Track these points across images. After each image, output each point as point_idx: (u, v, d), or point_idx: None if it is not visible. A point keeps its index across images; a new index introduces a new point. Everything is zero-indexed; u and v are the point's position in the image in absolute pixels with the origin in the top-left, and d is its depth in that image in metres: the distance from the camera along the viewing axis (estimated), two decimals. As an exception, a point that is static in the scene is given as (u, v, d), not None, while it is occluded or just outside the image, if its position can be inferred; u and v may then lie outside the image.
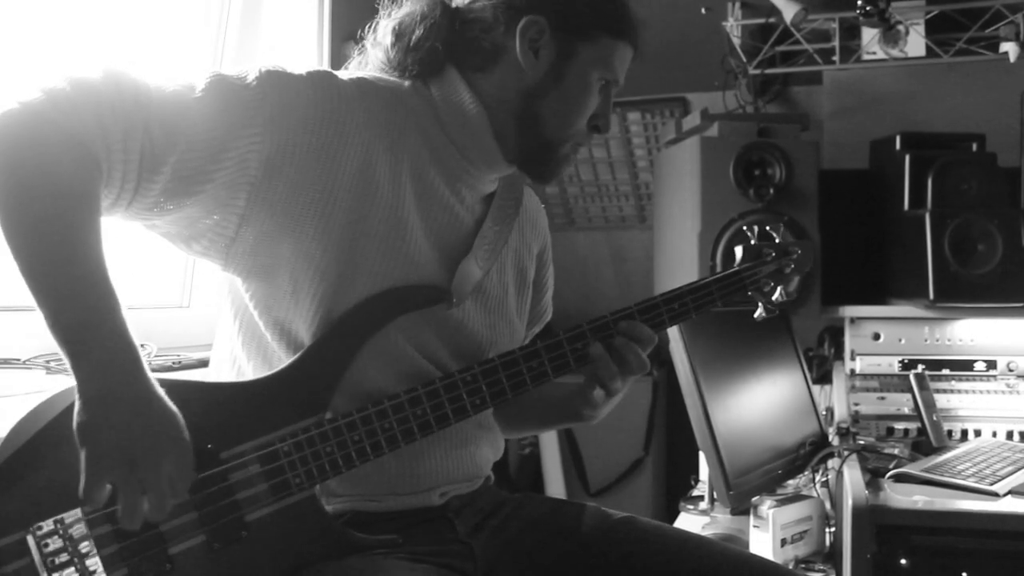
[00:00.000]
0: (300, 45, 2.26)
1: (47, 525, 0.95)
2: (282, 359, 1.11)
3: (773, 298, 1.35)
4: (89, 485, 0.90)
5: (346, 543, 1.08)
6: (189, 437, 0.96)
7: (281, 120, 1.05)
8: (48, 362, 1.57)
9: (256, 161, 1.04)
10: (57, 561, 0.95)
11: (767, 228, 1.39)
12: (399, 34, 1.18)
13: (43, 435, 0.96)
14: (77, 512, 0.96)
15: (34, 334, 1.64)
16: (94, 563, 0.96)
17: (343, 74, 1.16)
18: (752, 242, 1.37)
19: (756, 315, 1.36)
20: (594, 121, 1.21)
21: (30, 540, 0.94)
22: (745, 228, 1.39)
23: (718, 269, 2.19)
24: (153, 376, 0.96)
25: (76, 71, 0.98)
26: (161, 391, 0.96)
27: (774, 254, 1.35)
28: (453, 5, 1.18)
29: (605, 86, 1.20)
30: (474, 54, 1.17)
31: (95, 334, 0.93)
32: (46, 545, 0.95)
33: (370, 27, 1.23)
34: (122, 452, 0.91)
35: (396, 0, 1.22)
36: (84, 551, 0.96)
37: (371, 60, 1.22)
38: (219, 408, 1.04)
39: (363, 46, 1.24)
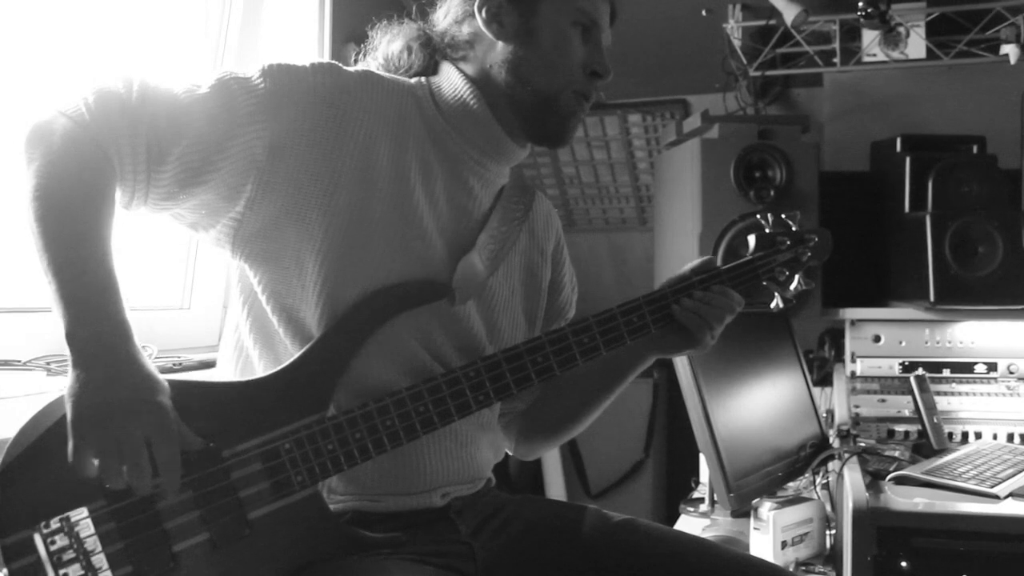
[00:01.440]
0: (300, 46, 2.26)
1: (54, 523, 0.96)
2: (288, 347, 1.12)
3: (790, 288, 1.29)
4: (73, 449, 0.93)
5: (350, 541, 1.08)
6: (170, 403, 0.98)
7: (284, 106, 1.10)
8: (49, 364, 1.57)
9: (261, 147, 1.08)
10: (63, 558, 0.96)
11: (782, 216, 1.33)
12: (387, 64, 1.27)
13: (51, 434, 0.97)
14: (83, 510, 0.97)
15: (35, 335, 1.64)
16: (99, 560, 0.97)
17: (349, 67, 1.20)
18: (767, 230, 1.31)
19: (772, 306, 1.30)
20: (590, 67, 1.21)
21: (37, 538, 0.96)
22: (759, 216, 1.35)
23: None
24: (143, 352, 1.00)
25: (100, 81, 1.08)
26: (147, 362, 0.99)
27: (789, 242, 1.30)
28: (432, 25, 1.26)
29: (585, 31, 1.21)
30: (457, 48, 1.23)
31: (88, 307, 0.98)
32: (52, 543, 0.96)
33: (359, 55, 1.30)
34: (97, 415, 0.94)
35: (378, 28, 1.29)
36: (89, 549, 0.97)
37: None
38: (221, 407, 1.05)
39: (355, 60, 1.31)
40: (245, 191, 1.09)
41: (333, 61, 1.18)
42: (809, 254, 1.31)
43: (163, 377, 1.00)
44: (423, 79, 1.24)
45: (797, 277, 1.30)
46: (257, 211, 1.10)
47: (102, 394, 0.95)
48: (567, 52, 1.19)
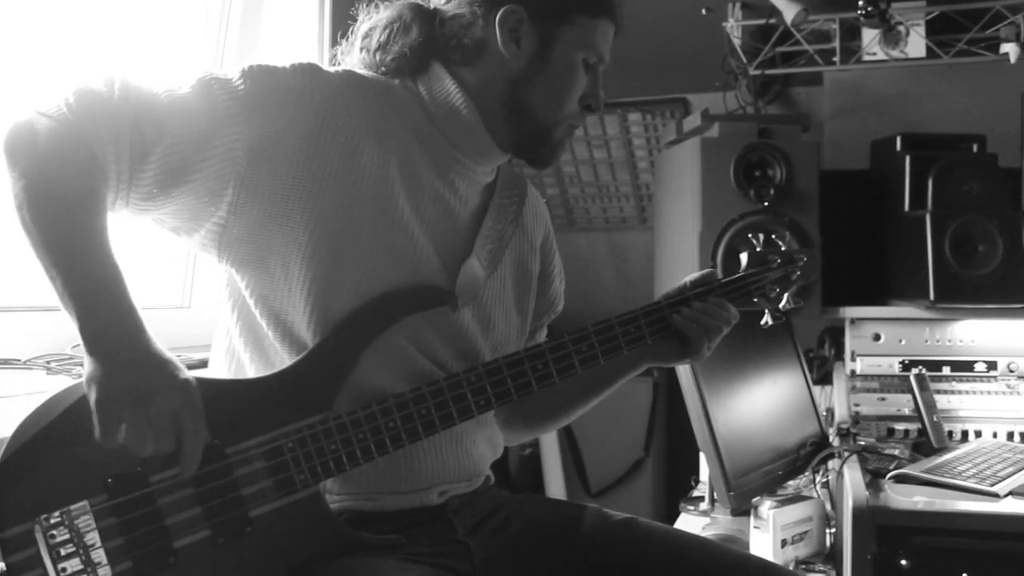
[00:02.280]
0: (300, 45, 2.26)
1: (54, 516, 0.96)
2: (279, 351, 1.12)
3: (780, 305, 1.36)
4: (102, 428, 0.95)
5: (349, 542, 1.09)
6: (193, 380, 1.00)
7: (264, 109, 1.09)
8: (48, 363, 1.57)
9: (241, 150, 1.07)
10: (62, 552, 0.96)
11: (772, 236, 1.40)
12: (366, 37, 1.23)
13: (52, 428, 0.98)
14: (84, 504, 0.97)
15: (35, 335, 1.64)
16: (99, 555, 0.97)
17: (331, 68, 1.18)
18: (757, 249, 1.38)
19: (763, 323, 1.37)
20: (585, 101, 1.21)
21: (37, 531, 0.96)
22: (751, 236, 1.40)
23: (718, 269, 2.19)
24: (154, 336, 1.01)
25: (80, 81, 1.06)
26: (160, 344, 1.01)
27: (779, 261, 1.36)
28: (431, 7, 1.21)
29: (591, 65, 1.21)
30: (457, 50, 1.19)
31: (100, 299, 0.99)
32: (52, 536, 0.96)
33: (342, 35, 1.27)
34: (125, 393, 0.95)
35: (368, 8, 1.25)
36: (89, 543, 0.97)
37: (351, 64, 1.25)
38: (226, 404, 1.05)
39: (335, 55, 1.28)
40: (226, 195, 1.08)
41: (314, 62, 1.16)
42: (798, 272, 1.36)
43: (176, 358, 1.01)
44: (409, 81, 1.21)
45: (787, 295, 1.36)
46: (241, 215, 1.09)
47: (129, 377, 0.96)
48: (572, 87, 1.19)
